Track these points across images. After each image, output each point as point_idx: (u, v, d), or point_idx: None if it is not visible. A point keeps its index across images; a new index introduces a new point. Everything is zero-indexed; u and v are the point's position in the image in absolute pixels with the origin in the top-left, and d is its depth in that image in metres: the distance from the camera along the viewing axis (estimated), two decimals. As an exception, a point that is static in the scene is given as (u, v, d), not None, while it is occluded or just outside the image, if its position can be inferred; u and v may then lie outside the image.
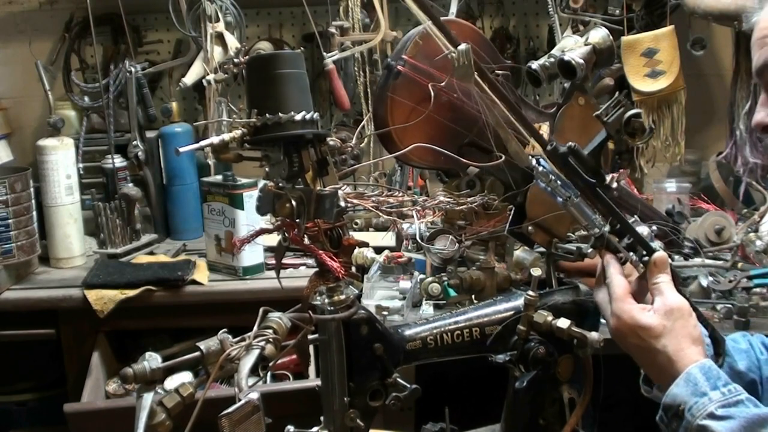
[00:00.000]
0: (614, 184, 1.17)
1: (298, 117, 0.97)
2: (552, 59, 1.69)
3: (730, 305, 1.80)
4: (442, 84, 1.28)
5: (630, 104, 1.17)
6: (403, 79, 1.36)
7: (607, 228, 1.13)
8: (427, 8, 1.15)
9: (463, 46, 1.06)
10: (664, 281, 1.11)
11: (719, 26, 2.47)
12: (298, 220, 1.00)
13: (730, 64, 2.52)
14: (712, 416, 0.99)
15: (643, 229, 1.16)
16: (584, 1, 2.38)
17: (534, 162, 1.12)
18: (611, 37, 1.58)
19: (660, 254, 1.12)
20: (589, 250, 1.18)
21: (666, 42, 2.31)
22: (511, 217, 1.24)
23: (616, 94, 1.18)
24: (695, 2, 2.29)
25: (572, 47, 1.71)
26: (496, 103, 1.15)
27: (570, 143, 1.14)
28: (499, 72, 1.57)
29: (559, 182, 1.11)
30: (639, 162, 2.44)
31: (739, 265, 2.00)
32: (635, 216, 1.18)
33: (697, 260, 2.04)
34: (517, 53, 2.73)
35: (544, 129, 1.49)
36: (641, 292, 1.14)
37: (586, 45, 1.56)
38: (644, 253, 1.13)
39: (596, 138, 1.17)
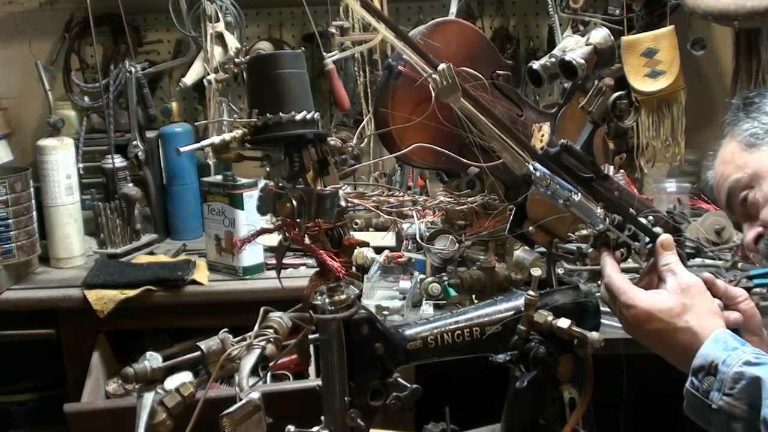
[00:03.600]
0: (611, 172, 1.17)
1: (299, 117, 0.97)
2: (553, 59, 1.69)
3: (730, 305, 1.80)
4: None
5: (611, 89, 1.16)
6: (404, 79, 1.36)
7: (608, 221, 1.13)
8: (403, 35, 1.14)
9: (443, 66, 1.06)
10: (674, 261, 1.11)
11: (719, 26, 2.47)
12: (298, 220, 1.00)
13: (730, 64, 2.52)
14: (748, 363, 0.98)
15: (641, 220, 1.17)
16: (584, 1, 2.38)
17: (531, 168, 1.12)
18: (612, 37, 1.58)
19: (665, 236, 1.13)
20: (590, 250, 1.18)
21: (666, 42, 2.31)
22: (512, 217, 1.24)
23: (596, 82, 1.17)
24: (695, 2, 2.29)
25: (573, 47, 1.71)
26: (481, 120, 1.14)
27: (562, 141, 1.14)
28: (500, 72, 1.57)
29: (558, 184, 1.11)
30: (639, 162, 2.43)
31: (739, 265, 2.00)
32: (631, 209, 1.19)
33: (697, 260, 2.04)
34: (517, 53, 2.73)
35: (545, 129, 1.49)
36: (646, 286, 1.15)
37: (587, 45, 1.56)
38: (648, 240, 1.13)
39: (583, 132, 1.17)
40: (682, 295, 1.08)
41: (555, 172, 1.13)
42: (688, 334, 1.06)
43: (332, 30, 2.44)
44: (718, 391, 1.00)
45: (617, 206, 1.15)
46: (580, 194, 1.12)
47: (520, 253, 1.88)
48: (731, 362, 0.99)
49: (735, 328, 1.12)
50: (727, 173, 1.37)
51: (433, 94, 1.24)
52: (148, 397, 0.92)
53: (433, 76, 1.09)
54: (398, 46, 1.13)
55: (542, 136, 1.53)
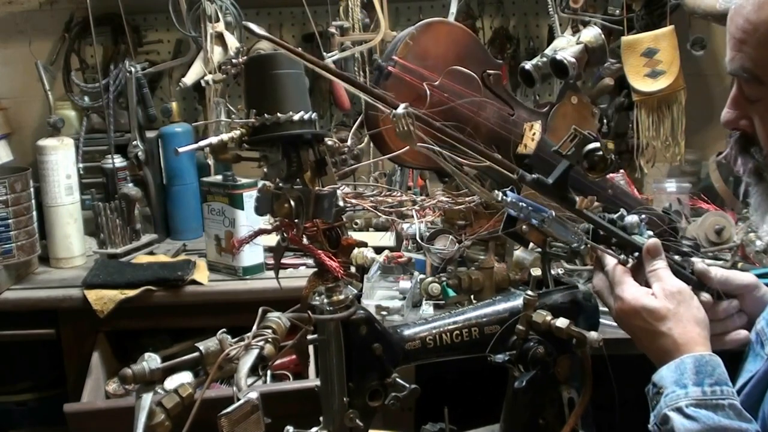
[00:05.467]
0: (584, 211, 1.16)
1: (297, 117, 0.97)
2: (545, 59, 1.69)
3: (729, 305, 1.80)
4: (435, 83, 1.28)
5: (590, 137, 1.14)
6: (394, 79, 1.36)
7: (591, 225, 1.14)
8: (355, 82, 1.12)
9: (400, 110, 1.03)
10: (660, 267, 1.11)
11: (719, 26, 2.46)
12: (296, 220, 1.00)
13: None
14: (679, 411, 1.00)
15: (632, 219, 1.17)
16: (584, 1, 2.38)
17: (501, 196, 1.12)
18: (603, 35, 1.58)
19: (652, 241, 1.13)
20: (582, 247, 1.17)
21: (666, 42, 2.31)
22: (505, 216, 1.24)
23: (572, 128, 1.15)
24: (695, 2, 2.29)
25: (564, 47, 1.71)
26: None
27: (535, 175, 1.14)
28: (491, 72, 1.56)
29: (530, 207, 1.11)
30: (639, 162, 2.43)
31: (739, 265, 2.00)
32: (621, 209, 1.18)
33: (697, 260, 2.03)
34: (517, 53, 2.72)
35: (537, 127, 1.49)
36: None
37: (578, 44, 1.56)
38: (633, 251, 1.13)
39: (559, 167, 1.16)
40: (667, 300, 1.08)
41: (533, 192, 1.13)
42: (668, 341, 1.06)
43: (332, 30, 2.44)
44: (655, 416, 1.04)
45: (597, 224, 1.15)
46: (554, 215, 1.12)
47: (520, 253, 1.88)
48: (669, 401, 1.01)
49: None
50: (751, 25, 0.98)
51: (427, 94, 1.24)
52: (147, 398, 0.92)
53: (391, 117, 1.06)
54: (354, 92, 1.10)
55: (533, 134, 1.53)
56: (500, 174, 1.14)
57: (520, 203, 1.11)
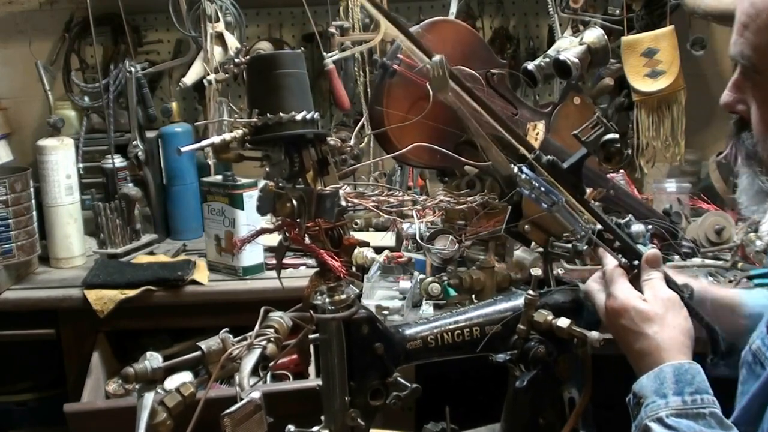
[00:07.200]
0: (591, 202, 1.16)
1: (299, 117, 0.97)
2: (547, 59, 1.69)
3: (729, 305, 1.80)
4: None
5: (610, 126, 1.14)
6: (399, 77, 1.36)
7: (597, 226, 1.13)
8: (399, 23, 1.14)
9: (437, 58, 1.05)
10: (655, 277, 1.12)
11: (719, 26, 2.47)
12: (298, 220, 1.00)
13: (730, 64, 2.52)
14: (660, 421, 0.99)
15: (638, 228, 1.17)
16: (584, 1, 2.38)
17: (516, 170, 1.12)
18: (606, 36, 1.57)
19: (652, 251, 1.13)
20: (584, 248, 1.18)
21: (666, 42, 2.31)
22: (507, 215, 1.24)
23: (596, 114, 1.15)
24: (695, 2, 2.29)
25: (567, 47, 1.71)
26: (477, 111, 1.14)
27: (549, 157, 1.14)
28: (494, 71, 1.57)
29: (543, 188, 1.11)
30: (639, 162, 2.43)
31: (739, 265, 2.00)
32: (629, 215, 1.19)
33: (697, 260, 2.04)
34: (517, 53, 2.72)
35: (540, 127, 1.50)
36: None
37: (581, 45, 1.56)
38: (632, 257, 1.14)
39: (576, 153, 1.16)
40: (656, 305, 1.09)
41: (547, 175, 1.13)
42: (651, 344, 1.06)
43: (332, 30, 2.44)
44: (636, 427, 1.03)
45: (604, 222, 1.15)
46: (564, 201, 1.12)
47: (520, 253, 1.88)
48: (650, 411, 1.01)
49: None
50: (755, 9, 0.97)
51: (430, 93, 1.24)
52: (149, 397, 0.92)
53: (427, 66, 1.09)
54: (396, 36, 1.13)
55: (537, 134, 1.53)
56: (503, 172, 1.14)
57: (534, 182, 1.11)
